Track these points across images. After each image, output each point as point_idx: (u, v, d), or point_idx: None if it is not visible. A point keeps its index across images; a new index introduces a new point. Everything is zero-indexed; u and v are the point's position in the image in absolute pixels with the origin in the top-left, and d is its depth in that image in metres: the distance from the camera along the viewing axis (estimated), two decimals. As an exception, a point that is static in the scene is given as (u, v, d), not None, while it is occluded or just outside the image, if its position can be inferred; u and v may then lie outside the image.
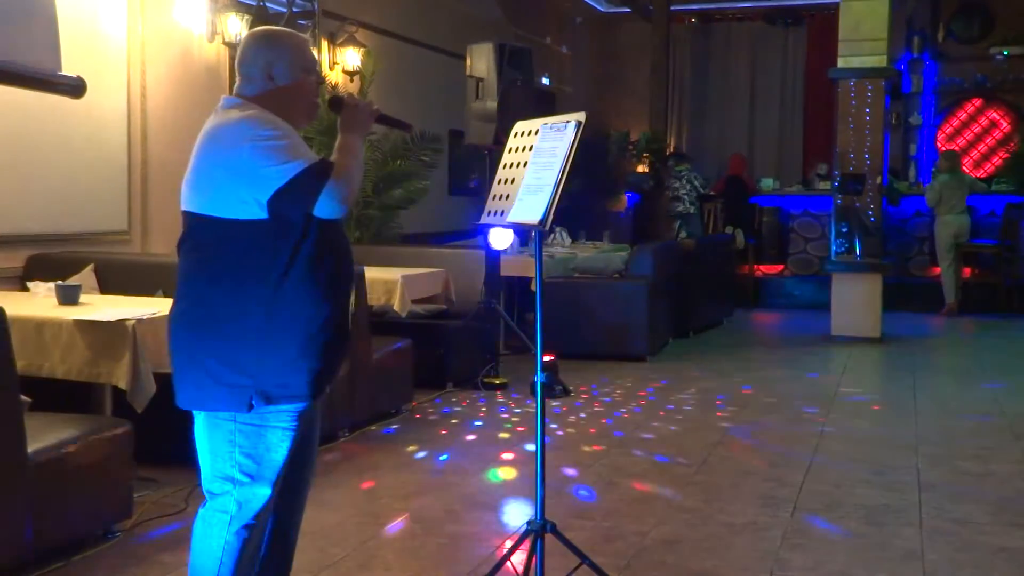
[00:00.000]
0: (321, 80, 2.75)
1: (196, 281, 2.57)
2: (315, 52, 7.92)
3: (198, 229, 2.57)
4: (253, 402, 2.55)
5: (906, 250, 12.31)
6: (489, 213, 3.34)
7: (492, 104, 6.74)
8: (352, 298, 5.38)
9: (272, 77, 2.63)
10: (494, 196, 3.36)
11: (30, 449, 3.44)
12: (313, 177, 2.50)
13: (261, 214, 2.49)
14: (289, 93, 2.64)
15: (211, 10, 6.85)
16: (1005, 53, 12.89)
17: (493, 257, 7.15)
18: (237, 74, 2.70)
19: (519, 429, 5.81)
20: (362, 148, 2.68)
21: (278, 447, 2.60)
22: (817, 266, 12.35)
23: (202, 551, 2.62)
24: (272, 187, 2.46)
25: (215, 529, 2.61)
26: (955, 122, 13.40)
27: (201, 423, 2.64)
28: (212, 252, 2.54)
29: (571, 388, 6.81)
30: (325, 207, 2.51)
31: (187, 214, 2.59)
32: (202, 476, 2.69)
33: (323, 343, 2.60)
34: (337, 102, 2.72)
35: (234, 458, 2.59)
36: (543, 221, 3.07)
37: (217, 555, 2.60)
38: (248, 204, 2.49)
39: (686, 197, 12.31)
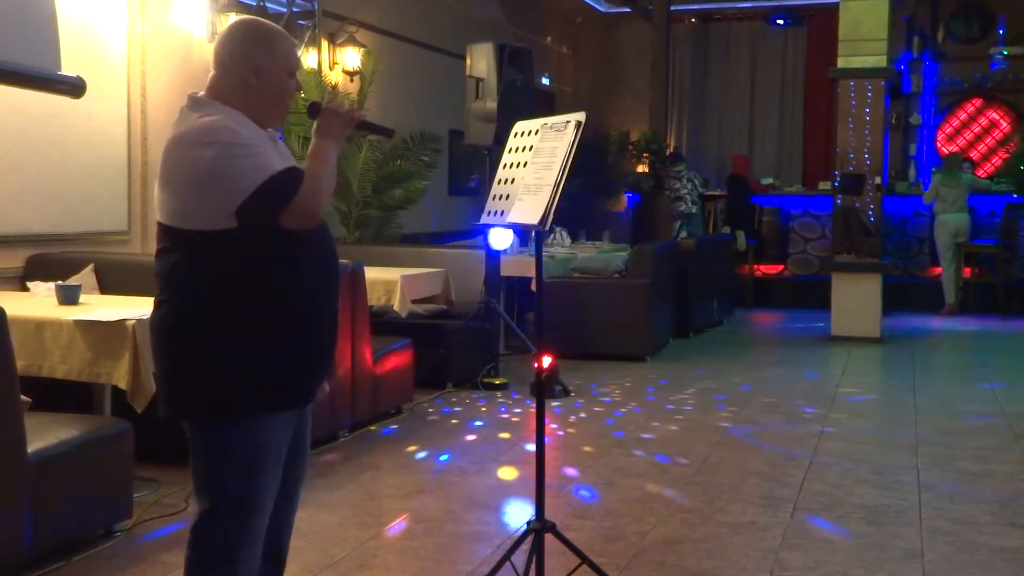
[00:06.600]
0: (299, 86, 2.65)
1: (168, 291, 2.50)
2: (315, 52, 7.96)
3: (168, 238, 2.49)
4: (227, 410, 2.47)
5: (906, 250, 12.30)
6: (489, 213, 3.34)
7: (492, 104, 6.74)
8: (355, 300, 5.43)
9: (257, 75, 2.52)
10: (494, 196, 3.36)
11: (30, 449, 3.44)
12: (280, 187, 2.41)
13: (230, 223, 2.40)
14: (271, 94, 2.55)
15: (211, 10, 6.85)
16: (1005, 53, 12.89)
17: (493, 257, 7.15)
18: (213, 61, 2.58)
19: (519, 429, 5.81)
20: (335, 155, 2.57)
21: (252, 457, 2.50)
22: (817, 266, 12.35)
23: (194, 563, 2.60)
24: (239, 198, 2.38)
25: (203, 545, 2.55)
26: (955, 122, 13.39)
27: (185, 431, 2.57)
28: (183, 262, 2.47)
29: (571, 388, 6.81)
30: (293, 217, 2.43)
31: (159, 223, 2.53)
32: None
33: (298, 352, 2.52)
34: (315, 108, 2.61)
35: (216, 467, 2.52)
36: (543, 221, 3.07)
37: (209, 567, 2.58)
38: (215, 215, 2.41)
39: (688, 196, 12.32)
